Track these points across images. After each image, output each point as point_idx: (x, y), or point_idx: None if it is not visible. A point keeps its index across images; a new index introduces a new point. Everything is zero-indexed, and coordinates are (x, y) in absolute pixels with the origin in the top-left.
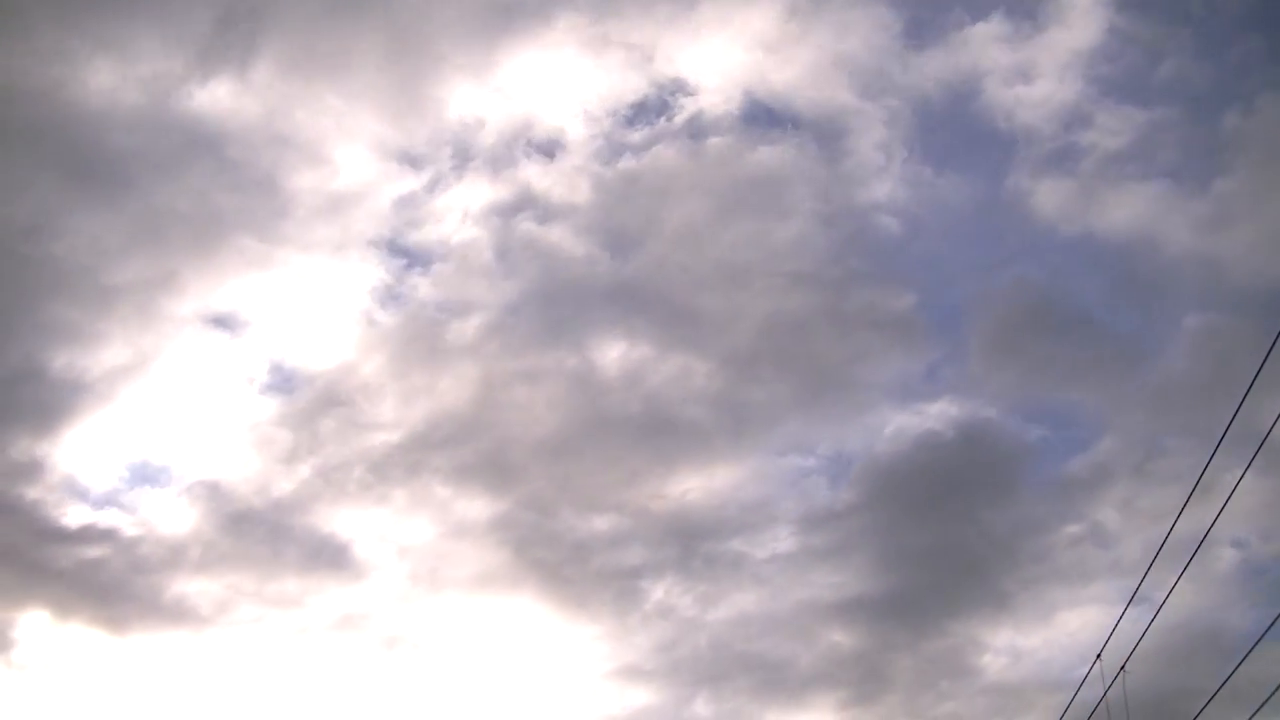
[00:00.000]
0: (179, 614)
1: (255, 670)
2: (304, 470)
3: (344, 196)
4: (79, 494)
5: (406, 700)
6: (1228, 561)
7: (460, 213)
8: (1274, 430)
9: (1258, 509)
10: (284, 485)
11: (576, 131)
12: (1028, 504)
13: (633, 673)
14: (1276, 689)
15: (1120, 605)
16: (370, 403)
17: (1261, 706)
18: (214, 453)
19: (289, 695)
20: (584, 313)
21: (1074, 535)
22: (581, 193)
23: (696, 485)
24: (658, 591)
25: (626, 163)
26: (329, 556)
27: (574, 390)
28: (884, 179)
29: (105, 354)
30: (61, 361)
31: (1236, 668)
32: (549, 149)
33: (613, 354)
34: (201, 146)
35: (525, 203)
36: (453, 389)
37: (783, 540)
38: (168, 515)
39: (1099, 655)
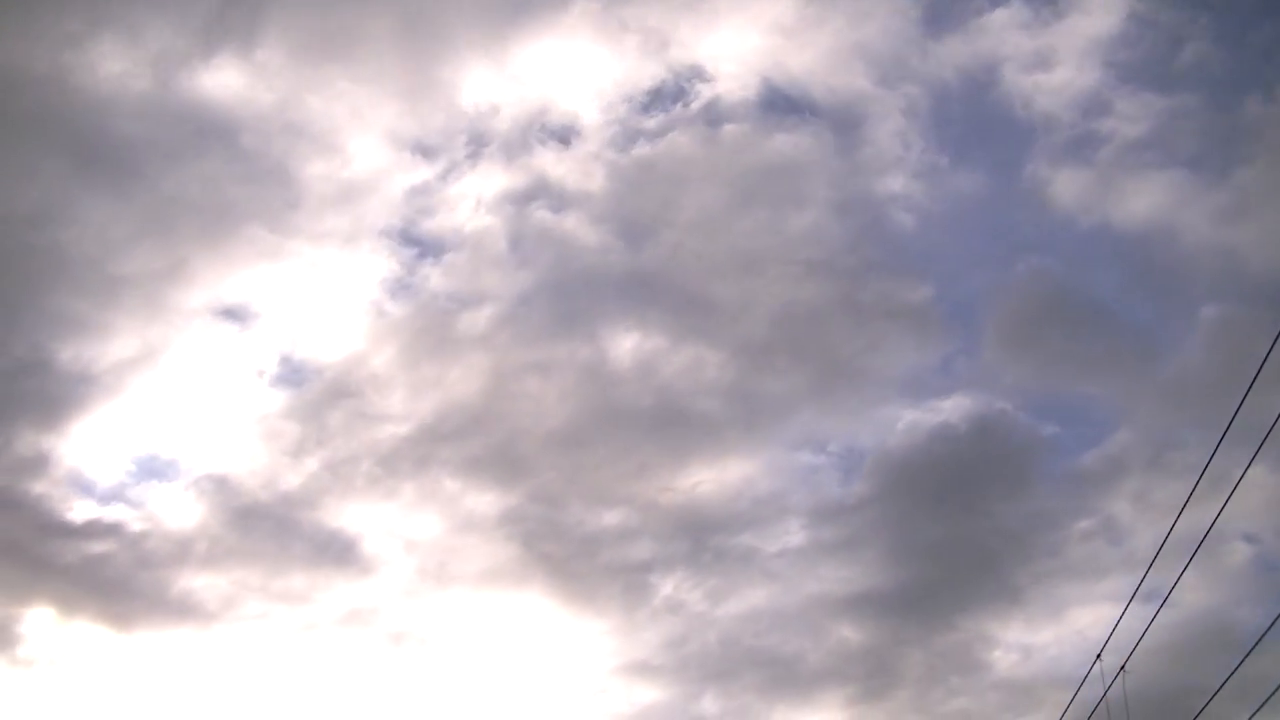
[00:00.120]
0: (185, 610)
1: (261, 666)
2: (312, 463)
3: (356, 185)
4: (85, 488)
5: (414, 696)
6: (1240, 557)
7: (474, 200)
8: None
9: (1270, 504)
10: (291, 479)
11: (592, 118)
12: (1040, 498)
13: (640, 669)
14: None
15: (1135, 599)
16: (380, 395)
17: (1265, 702)
18: (222, 446)
19: (296, 691)
20: (597, 303)
21: (1087, 530)
22: (596, 180)
23: (707, 478)
24: (667, 586)
25: (641, 150)
26: (336, 551)
27: (586, 382)
28: (901, 168)
29: (112, 346)
30: (68, 353)
31: (1239, 664)
32: (564, 136)
33: (625, 345)
34: (212, 134)
35: (539, 190)
36: (463, 381)
37: (793, 534)
38: (174, 510)
39: (1099, 655)
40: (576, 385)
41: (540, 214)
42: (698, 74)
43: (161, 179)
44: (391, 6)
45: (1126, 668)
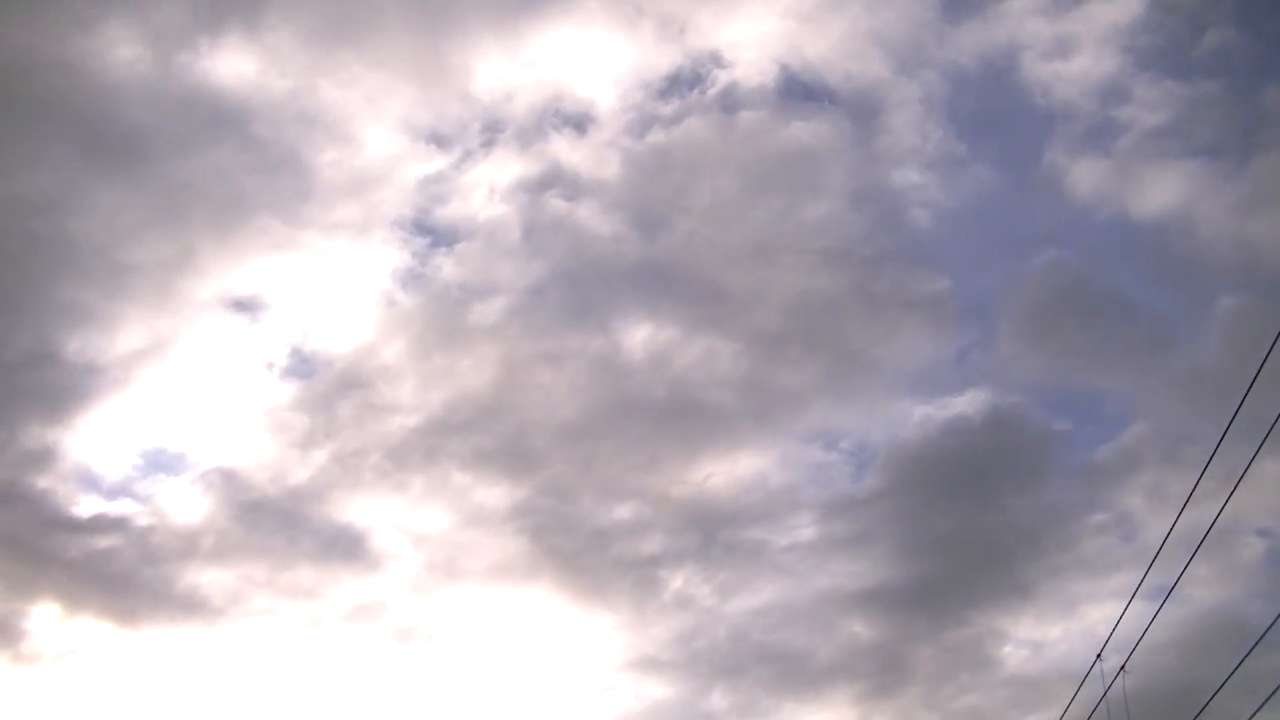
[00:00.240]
0: (191, 605)
1: (268, 662)
2: (320, 457)
3: (368, 174)
4: (91, 482)
5: (421, 692)
6: (1253, 551)
7: (487, 189)
8: None
9: None
10: (300, 472)
11: (608, 104)
12: (1054, 492)
13: (649, 664)
14: None
15: (1145, 597)
16: (389, 386)
17: (1270, 698)
18: (230, 439)
19: (303, 688)
20: (610, 293)
21: (1100, 524)
22: (611, 168)
23: (719, 471)
24: (676, 581)
25: (657, 136)
26: (344, 546)
27: (597, 373)
28: (918, 157)
29: (120, 337)
30: (74, 345)
31: (1243, 660)
32: (579, 122)
33: (638, 336)
34: (223, 122)
35: (554, 179)
36: (473, 372)
37: (804, 528)
38: (181, 504)
39: (1099, 655)
40: (588, 377)
41: (554, 202)
42: (715, 60)
43: (171, 167)
44: None
45: (1127, 667)
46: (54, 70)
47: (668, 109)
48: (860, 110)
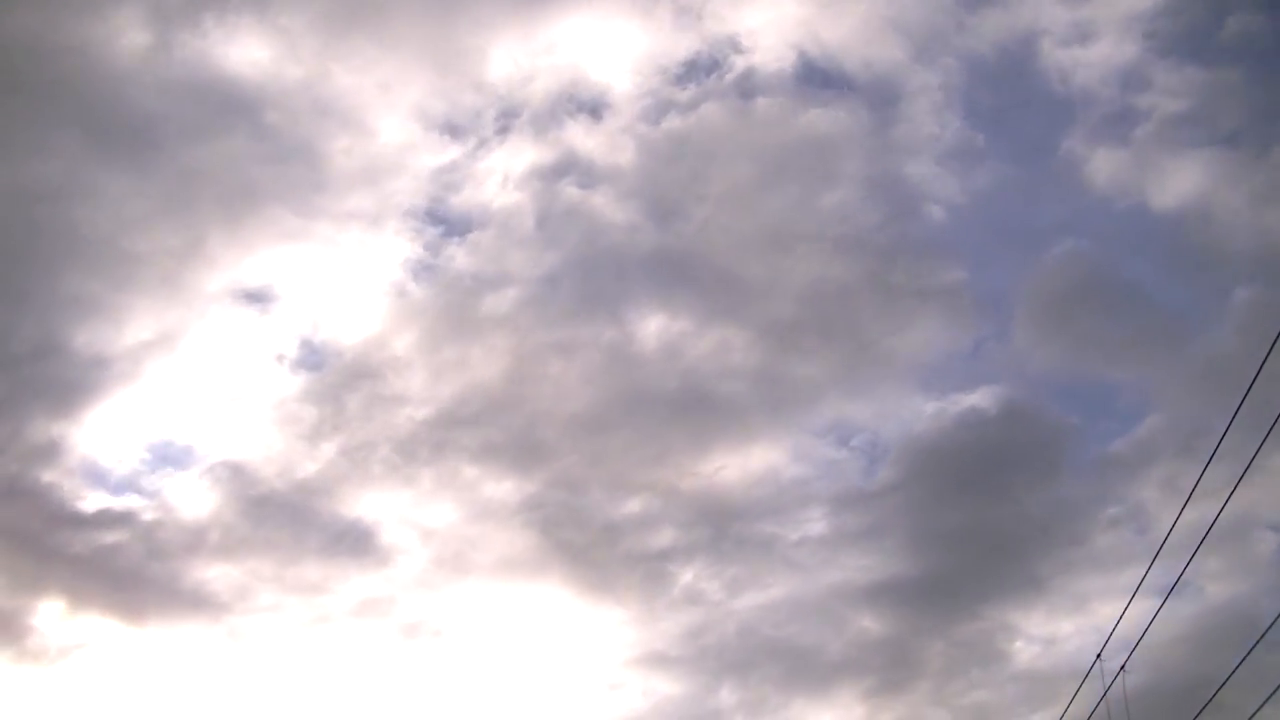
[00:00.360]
0: (197, 601)
1: (274, 658)
2: (329, 449)
3: (382, 163)
4: (98, 477)
5: (428, 688)
6: (1267, 546)
7: (501, 176)
8: None
9: None
10: (308, 466)
11: (624, 90)
12: (1068, 485)
13: (658, 660)
14: None
15: (1158, 592)
16: (399, 378)
17: (1275, 693)
18: (238, 432)
19: (309, 684)
20: (623, 283)
21: (1114, 517)
22: (626, 154)
23: (730, 463)
24: (686, 575)
25: (673, 122)
26: (352, 541)
27: (610, 364)
28: (936, 146)
29: (128, 329)
30: (82, 337)
31: (1247, 655)
32: (595, 108)
33: (651, 326)
34: (234, 110)
35: (568, 166)
36: (484, 363)
37: (815, 522)
38: (188, 498)
39: (1099, 655)
40: (600, 368)
41: (569, 190)
42: (732, 45)
43: (181, 155)
44: None
45: (1130, 666)
46: (61, 55)
47: (684, 95)
48: (878, 97)
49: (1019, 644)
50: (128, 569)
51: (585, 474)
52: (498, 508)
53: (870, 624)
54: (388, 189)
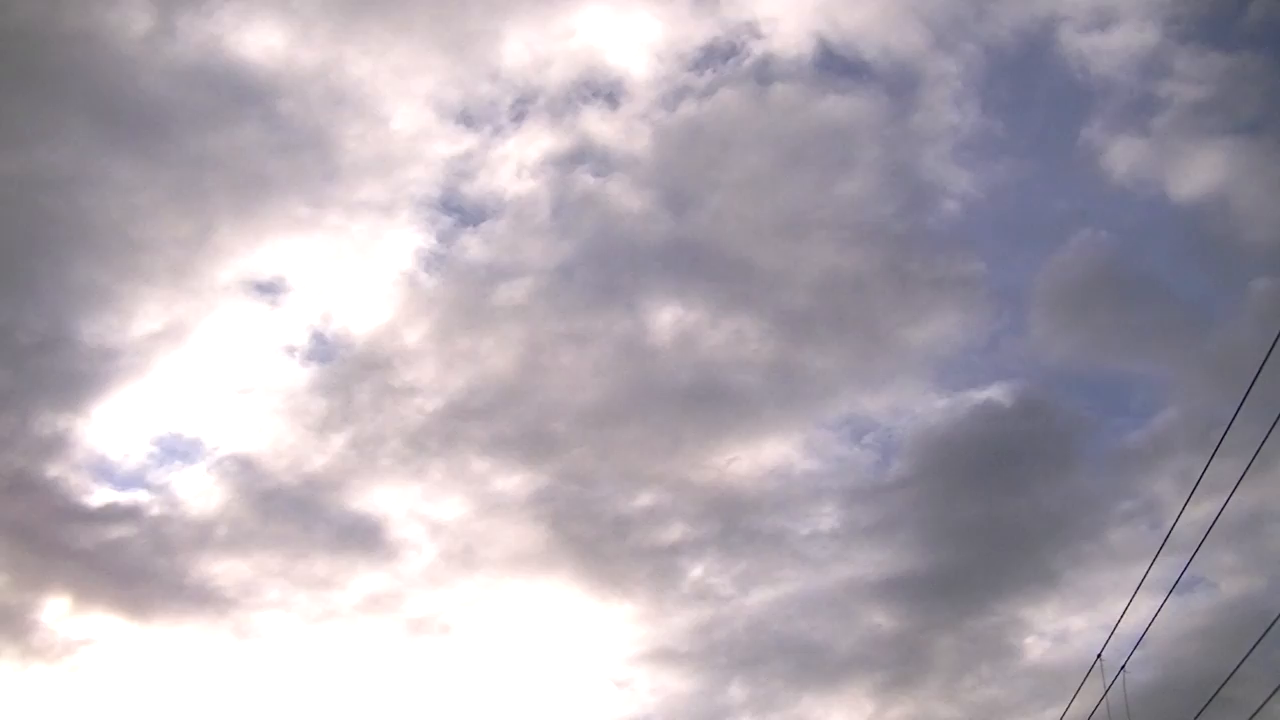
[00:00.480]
0: (203, 596)
1: (281, 654)
2: (338, 442)
3: (395, 151)
4: (104, 471)
5: (436, 684)
6: None
7: (516, 164)
8: None
9: None
10: (317, 459)
11: (641, 76)
12: (1082, 478)
13: (667, 656)
14: None
15: (1168, 588)
16: (410, 369)
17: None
18: (246, 425)
19: (316, 680)
20: (638, 273)
21: (1128, 511)
22: (642, 141)
23: (742, 456)
24: (696, 570)
25: (689, 108)
26: (360, 536)
27: (623, 355)
28: (954, 135)
29: (137, 321)
30: (89, 328)
31: (1251, 650)
32: (611, 94)
33: (665, 316)
34: (247, 97)
35: (584, 153)
36: (496, 354)
37: (827, 516)
38: (195, 492)
39: (1099, 655)
40: (613, 359)
41: (584, 178)
42: (751, 31)
43: (191, 142)
44: None
45: (1133, 665)
46: (69, 40)
47: (701, 81)
48: (896, 85)
49: (1030, 639)
50: (134, 564)
51: (596, 467)
52: (507, 501)
53: (881, 619)
54: (401, 178)
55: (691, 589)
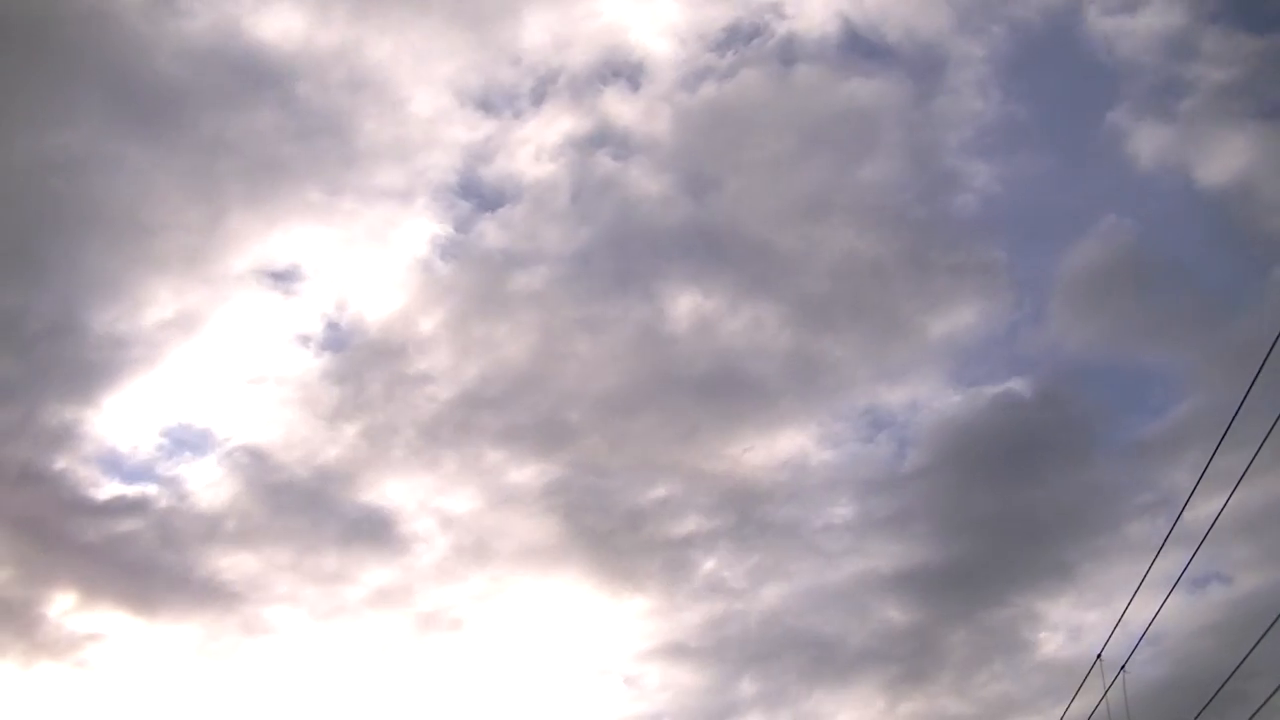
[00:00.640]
0: (211, 591)
1: (290, 649)
2: (350, 433)
3: (413, 136)
4: (113, 463)
5: (446, 679)
6: None
7: (535, 147)
8: None
9: None
10: (328, 451)
11: (663, 56)
12: (1101, 470)
13: (678, 651)
14: None
15: (1185, 583)
16: (424, 358)
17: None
18: (258, 415)
19: (326, 674)
20: (656, 259)
21: (1146, 504)
22: (663, 123)
23: (758, 446)
24: (709, 563)
25: (710, 89)
26: (371, 529)
27: (640, 343)
28: (978, 119)
29: (148, 309)
30: (100, 317)
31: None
32: (633, 76)
33: (684, 304)
34: (264, 80)
35: (605, 136)
36: (511, 342)
37: (842, 507)
38: (205, 485)
39: (1099, 655)
40: (629, 347)
41: (604, 162)
42: (775, 11)
43: (207, 126)
44: None
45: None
46: (81, 18)
47: (723, 62)
48: (920, 67)
49: (1044, 634)
50: (142, 559)
51: (610, 457)
52: (520, 493)
53: (894, 613)
54: (419, 163)
55: (704, 583)
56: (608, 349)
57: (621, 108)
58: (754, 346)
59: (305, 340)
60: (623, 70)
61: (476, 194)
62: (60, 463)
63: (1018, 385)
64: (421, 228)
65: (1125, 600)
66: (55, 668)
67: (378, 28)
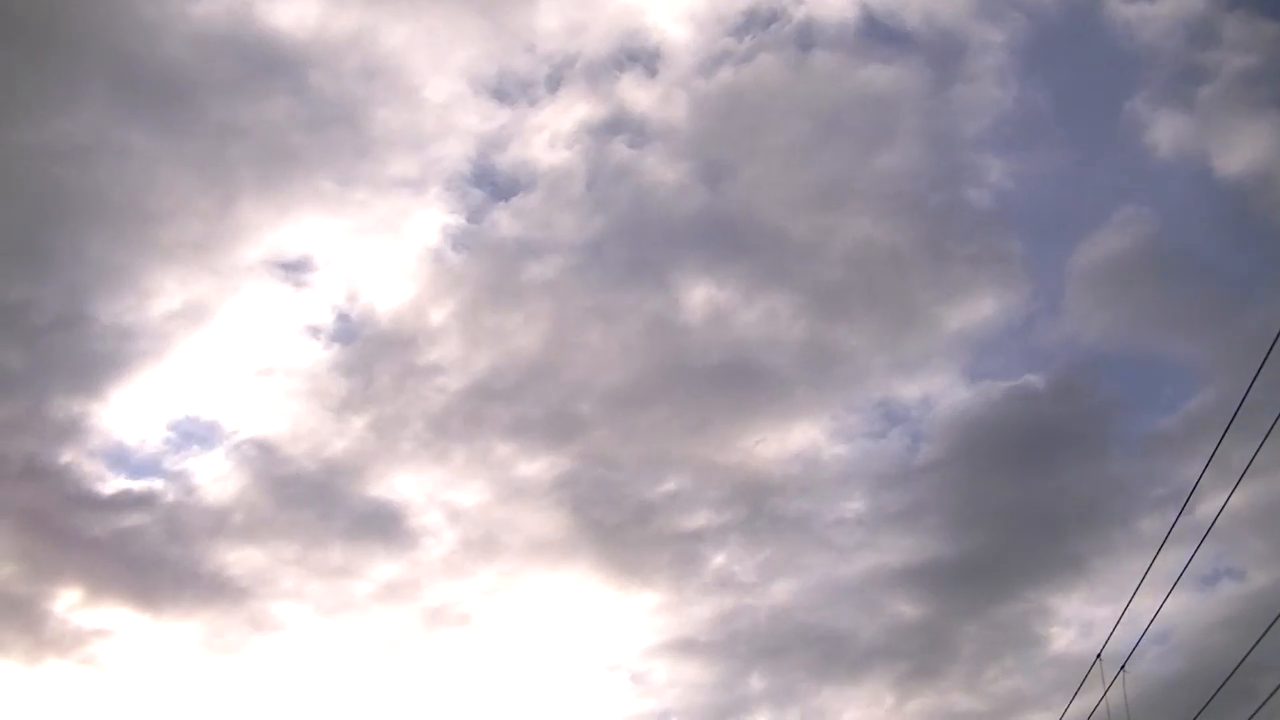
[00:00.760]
0: (218, 586)
1: (297, 644)
2: (358, 425)
3: (427, 122)
4: (119, 457)
5: (454, 674)
6: None
7: (550, 134)
8: None
9: None
10: (336, 443)
11: (680, 41)
12: (1115, 463)
13: (687, 646)
14: None
15: (1198, 580)
16: (434, 349)
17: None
18: (265, 408)
19: (333, 668)
20: (671, 248)
21: (1160, 498)
22: (679, 109)
23: (770, 438)
24: (718, 558)
25: (728, 75)
26: (379, 523)
27: (652, 334)
28: (996, 106)
29: (156, 300)
30: (107, 308)
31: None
32: (649, 61)
33: (698, 294)
34: (276, 67)
35: (620, 123)
36: (522, 332)
37: (854, 501)
38: (212, 478)
39: (1099, 655)
40: (642, 338)
41: (619, 149)
42: None
43: (217, 114)
44: None
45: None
46: (88, 3)
47: (741, 47)
48: (939, 54)
49: (1055, 629)
50: (148, 554)
51: (620, 449)
52: (529, 487)
53: (905, 608)
54: (432, 153)
55: (713, 577)
56: (620, 340)
57: (637, 94)
58: (767, 337)
59: (315, 331)
60: (639, 56)
61: (490, 183)
62: (66, 457)
63: (1033, 379)
64: (434, 217)
65: (1140, 594)
66: (61, 664)
67: (392, 15)
